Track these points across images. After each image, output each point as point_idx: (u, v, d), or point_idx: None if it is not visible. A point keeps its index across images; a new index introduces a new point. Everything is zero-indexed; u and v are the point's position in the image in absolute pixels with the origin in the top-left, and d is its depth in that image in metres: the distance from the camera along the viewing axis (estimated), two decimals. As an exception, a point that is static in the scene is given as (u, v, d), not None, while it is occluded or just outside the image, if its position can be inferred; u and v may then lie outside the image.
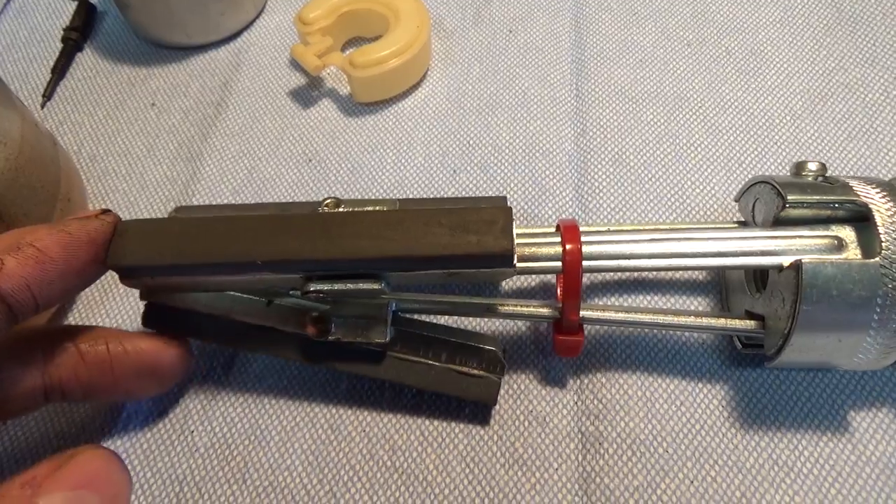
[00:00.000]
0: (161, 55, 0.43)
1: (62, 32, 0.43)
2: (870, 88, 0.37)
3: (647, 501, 0.27)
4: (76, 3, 0.45)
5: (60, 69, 0.42)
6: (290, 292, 0.28)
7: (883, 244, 0.24)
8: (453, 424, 0.29)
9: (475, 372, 0.28)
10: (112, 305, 0.33)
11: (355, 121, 0.39)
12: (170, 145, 0.39)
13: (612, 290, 0.32)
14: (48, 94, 0.41)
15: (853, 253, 0.25)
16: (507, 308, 0.28)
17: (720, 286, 0.32)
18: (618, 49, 0.41)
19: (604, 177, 0.36)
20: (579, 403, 0.29)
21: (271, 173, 0.37)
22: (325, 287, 0.26)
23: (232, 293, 0.28)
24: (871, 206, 0.24)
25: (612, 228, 0.27)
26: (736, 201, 0.30)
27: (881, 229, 0.24)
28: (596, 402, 0.29)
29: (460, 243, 0.24)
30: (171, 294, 0.28)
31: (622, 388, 0.29)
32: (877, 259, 0.23)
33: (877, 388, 0.29)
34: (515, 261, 0.25)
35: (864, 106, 0.37)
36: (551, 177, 0.36)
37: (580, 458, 0.28)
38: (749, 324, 0.27)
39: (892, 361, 0.25)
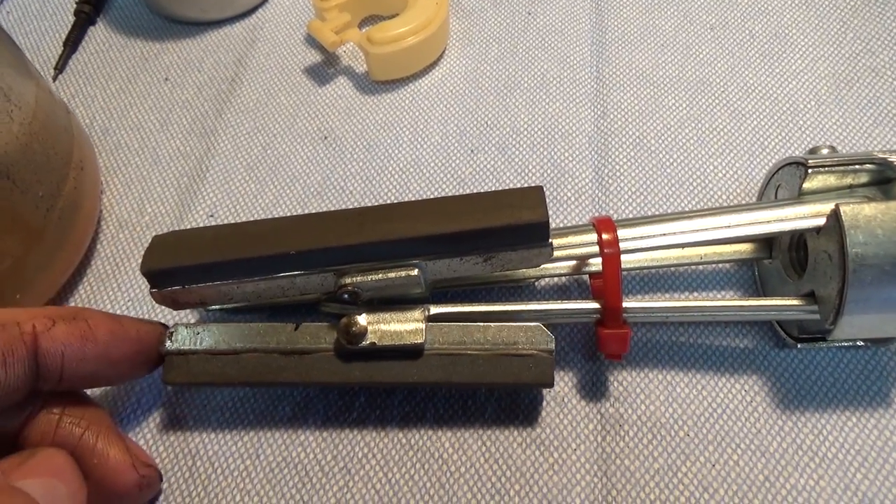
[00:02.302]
0: (175, 30, 0.42)
1: (75, 6, 0.43)
2: (897, 74, 0.37)
3: (667, 484, 0.26)
4: (90, -24, 0.44)
5: (73, 42, 0.42)
6: (321, 304, 0.27)
7: None
8: (469, 402, 0.28)
9: (525, 352, 0.26)
10: (118, 291, 0.33)
11: (371, 99, 0.38)
12: (183, 120, 0.38)
13: (644, 290, 0.31)
14: (60, 67, 0.41)
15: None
16: (545, 308, 0.27)
17: (755, 283, 0.31)
18: (639, 32, 0.40)
19: (624, 160, 0.35)
20: (599, 386, 0.28)
21: (286, 150, 0.37)
22: (360, 279, 0.25)
23: (259, 325, 0.27)
24: (893, 162, 0.24)
25: (643, 216, 0.27)
26: (759, 199, 0.29)
27: None
28: (616, 384, 0.28)
29: (495, 217, 0.24)
30: (213, 325, 0.27)
31: (643, 372, 0.29)
32: None
33: (903, 375, 0.28)
34: (552, 238, 0.24)
35: (892, 90, 0.36)
36: (570, 159, 0.35)
37: (599, 439, 0.27)
38: (800, 300, 0.26)
39: None
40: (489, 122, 0.37)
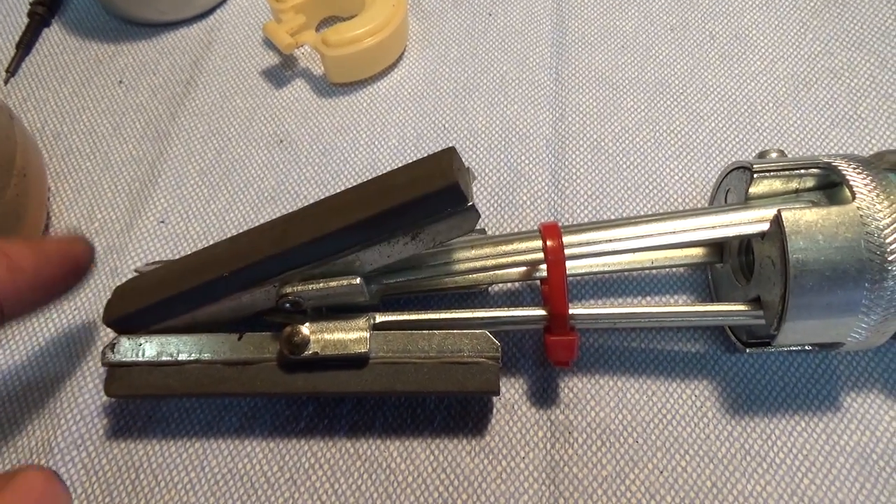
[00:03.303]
0: (130, 31, 0.42)
1: (29, 7, 0.42)
2: (855, 73, 0.37)
3: (615, 492, 0.26)
4: (44, -23, 0.43)
5: (26, 44, 0.41)
6: (264, 314, 0.27)
7: (855, 191, 0.23)
8: (418, 411, 0.28)
9: (471, 359, 0.25)
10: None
11: (328, 101, 0.38)
12: (136, 124, 0.38)
13: (597, 295, 0.31)
14: (12, 70, 0.40)
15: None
16: (493, 315, 0.26)
17: (708, 288, 0.31)
18: (599, 33, 0.40)
19: (581, 163, 0.35)
20: (549, 392, 0.28)
21: (241, 154, 0.36)
22: (300, 288, 0.25)
23: (201, 336, 0.26)
24: (838, 166, 0.24)
25: (591, 222, 0.27)
26: (710, 203, 0.29)
27: (852, 181, 0.24)
28: (566, 391, 0.28)
29: (408, 191, 0.23)
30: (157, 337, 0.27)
31: (593, 378, 0.29)
32: (853, 203, 0.23)
33: (851, 379, 0.28)
34: (471, 201, 0.24)
35: (849, 92, 0.36)
36: (528, 162, 0.35)
37: (548, 446, 0.27)
38: (745, 306, 0.26)
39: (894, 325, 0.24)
40: (447, 125, 0.37)
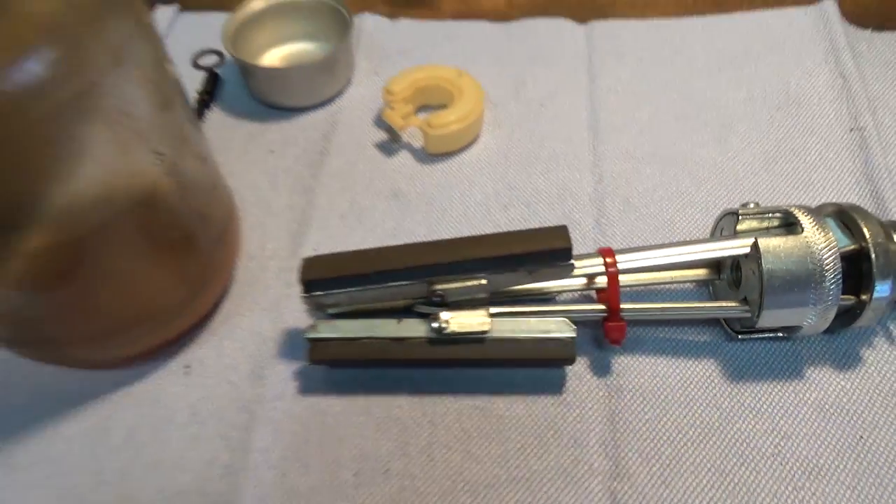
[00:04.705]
0: (274, 114, 0.56)
1: (196, 94, 0.56)
2: (808, 153, 0.51)
3: (653, 430, 0.38)
4: (206, 73, 0.58)
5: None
6: (415, 305, 0.40)
7: (804, 228, 0.37)
8: (517, 375, 0.40)
9: (555, 336, 0.38)
10: (262, 295, 0.45)
11: (428, 167, 0.52)
12: (287, 181, 0.51)
13: (636, 299, 0.44)
14: (190, 141, 0.54)
15: (788, 238, 0.38)
16: (569, 308, 0.39)
17: (710, 298, 0.44)
18: (623, 121, 0.54)
19: (616, 213, 0.49)
20: (605, 365, 0.41)
21: (367, 204, 0.50)
22: (445, 286, 0.38)
23: (373, 321, 0.39)
24: (794, 212, 0.38)
25: (628, 247, 0.40)
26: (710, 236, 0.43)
27: (802, 220, 0.37)
28: (616, 363, 0.41)
29: (538, 244, 0.37)
30: (340, 321, 0.39)
31: (634, 356, 0.41)
32: (803, 234, 0.37)
33: (809, 358, 0.41)
34: (572, 260, 0.37)
35: (805, 166, 0.50)
36: (576, 212, 0.49)
37: (606, 401, 0.40)
38: (736, 303, 0.39)
39: (832, 314, 0.37)
40: (516, 186, 0.50)
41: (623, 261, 0.39)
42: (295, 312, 0.44)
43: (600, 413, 0.39)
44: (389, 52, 0.60)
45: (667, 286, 0.44)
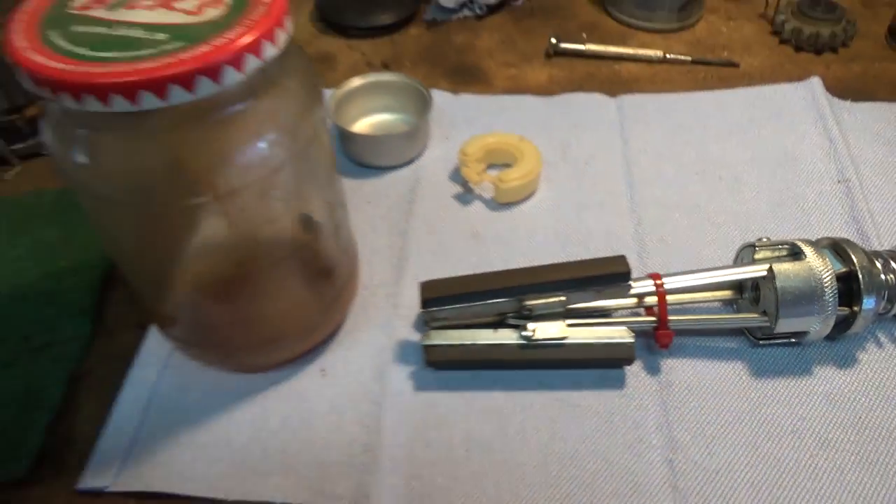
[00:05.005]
0: (367, 172, 0.68)
1: (302, 157, 0.69)
2: (805, 200, 0.63)
3: (697, 415, 0.49)
4: (308, 138, 0.70)
5: (305, 179, 0.67)
6: (508, 318, 0.51)
7: (806, 256, 0.48)
8: (586, 375, 0.51)
9: (618, 341, 0.49)
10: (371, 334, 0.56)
11: (498, 213, 0.64)
12: (384, 226, 0.63)
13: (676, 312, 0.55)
14: (301, 194, 0.65)
15: (796, 268, 0.49)
16: (628, 320, 0.51)
17: (734, 311, 0.55)
18: (652, 175, 0.66)
19: (654, 248, 0.60)
20: (656, 366, 0.52)
21: (451, 243, 0.61)
22: (533, 303, 0.49)
23: (474, 330, 0.50)
24: (798, 244, 0.49)
25: (671, 272, 0.52)
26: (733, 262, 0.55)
27: (805, 250, 0.49)
28: (665, 364, 0.52)
29: (604, 269, 0.48)
30: (447, 330, 0.50)
31: (679, 359, 0.52)
32: (807, 261, 0.48)
33: (817, 358, 0.52)
34: (630, 281, 0.49)
35: (803, 210, 0.62)
36: (622, 248, 0.60)
37: (659, 393, 0.50)
38: (757, 315, 0.50)
39: (832, 322, 0.48)
40: (570, 228, 0.62)
41: (668, 282, 0.50)
42: (402, 328, 0.55)
43: (654, 402, 0.50)
44: (456, 121, 0.73)
45: (700, 304, 0.56)
